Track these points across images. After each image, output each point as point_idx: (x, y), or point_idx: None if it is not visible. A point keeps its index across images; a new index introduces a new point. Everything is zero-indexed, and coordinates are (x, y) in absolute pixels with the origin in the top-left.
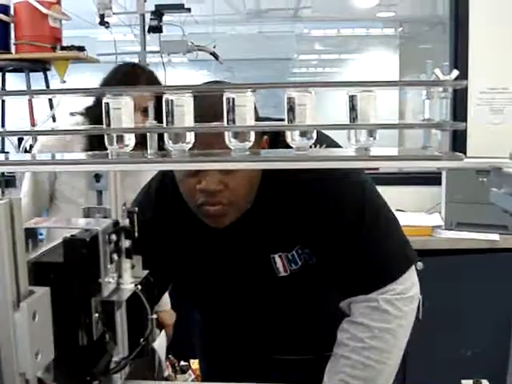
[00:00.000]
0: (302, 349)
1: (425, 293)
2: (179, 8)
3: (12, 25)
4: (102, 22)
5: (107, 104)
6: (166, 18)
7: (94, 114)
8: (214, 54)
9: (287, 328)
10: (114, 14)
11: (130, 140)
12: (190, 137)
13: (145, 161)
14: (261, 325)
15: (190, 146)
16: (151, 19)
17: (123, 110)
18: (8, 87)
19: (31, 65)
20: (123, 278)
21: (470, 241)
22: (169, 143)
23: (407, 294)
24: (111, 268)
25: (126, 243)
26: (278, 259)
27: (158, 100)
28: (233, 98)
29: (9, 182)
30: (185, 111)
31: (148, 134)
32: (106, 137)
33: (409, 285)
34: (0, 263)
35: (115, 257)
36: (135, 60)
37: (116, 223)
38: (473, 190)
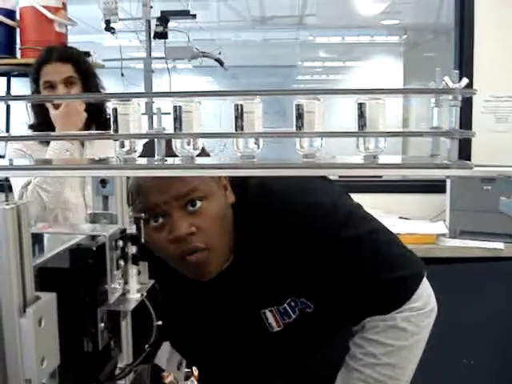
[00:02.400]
0: None
1: None
2: (185, 14)
3: (18, 30)
4: (108, 28)
5: (115, 109)
6: (171, 24)
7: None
8: (219, 61)
9: (290, 372)
10: (119, 19)
11: (138, 145)
12: (198, 143)
13: (152, 166)
14: (258, 379)
15: (198, 151)
16: (157, 25)
17: (131, 115)
18: (13, 92)
19: None
20: (129, 285)
21: (474, 249)
22: (177, 149)
23: (426, 308)
24: (117, 274)
25: (132, 249)
26: (269, 314)
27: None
28: (241, 105)
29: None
30: (192, 117)
31: (156, 140)
32: (114, 143)
33: (426, 299)
34: (7, 268)
35: (121, 263)
36: (141, 66)
37: (123, 230)
38: (477, 198)
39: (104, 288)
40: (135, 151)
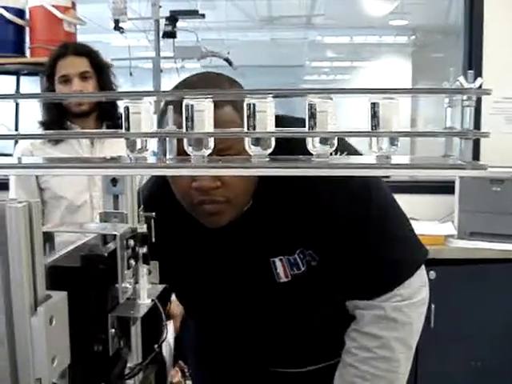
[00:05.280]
0: (303, 360)
1: (437, 302)
2: (194, 14)
3: (27, 29)
4: (117, 28)
5: (127, 108)
6: (180, 24)
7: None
8: (227, 60)
9: (289, 338)
10: (128, 19)
11: (150, 144)
12: (211, 142)
13: (165, 166)
14: (260, 335)
15: (210, 151)
16: (166, 25)
17: (143, 114)
18: (22, 90)
19: None
20: (140, 284)
21: (483, 250)
22: (188, 149)
23: (415, 298)
24: (128, 274)
25: (143, 249)
26: (278, 263)
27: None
28: (253, 104)
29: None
30: (205, 116)
31: (167, 139)
32: (125, 141)
33: (416, 288)
34: (18, 267)
35: (132, 262)
36: (148, 66)
37: (134, 229)
38: (486, 200)
39: (115, 293)
40: (147, 150)
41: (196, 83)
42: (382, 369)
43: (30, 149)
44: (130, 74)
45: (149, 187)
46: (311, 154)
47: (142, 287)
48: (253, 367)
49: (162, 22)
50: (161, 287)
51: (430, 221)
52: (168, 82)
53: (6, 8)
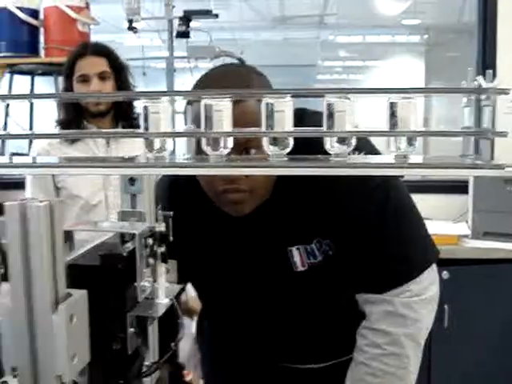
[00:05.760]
0: (315, 356)
1: (450, 302)
2: (207, 14)
3: (41, 29)
4: (131, 27)
5: (145, 108)
6: (193, 23)
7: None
8: (240, 60)
9: (302, 332)
10: (142, 19)
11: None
12: (229, 142)
13: (184, 165)
14: (274, 327)
15: (228, 151)
16: (179, 24)
17: (162, 114)
18: (36, 91)
19: (60, 68)
20: (158, 283)
21: (497, 250)
22: (207, 148)
23: (425, 294)
24: (146, 273)
25: (161, 248)
26: (295, 252)
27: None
28: (271, 104)
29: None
30: (223, 116)
31: (186, 139)
32: (144, 141)
33: (426, 284)
34: (39, 265)
35: (151, 261)
36: (161, 65)
37: (152, 228)
38: (500, 199)
39: (134, 292)
40: (165, 150)
41: (219, 79)
42: (392, 365)
43: (46, 148)
44: (144, 74)
45: (169, 176)
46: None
47: (160, 286)
48: (264, 363)
49: (175, 21)
50: (178, 287)
51: (444, 220)
52: (180, 82)
53: (20, 8)
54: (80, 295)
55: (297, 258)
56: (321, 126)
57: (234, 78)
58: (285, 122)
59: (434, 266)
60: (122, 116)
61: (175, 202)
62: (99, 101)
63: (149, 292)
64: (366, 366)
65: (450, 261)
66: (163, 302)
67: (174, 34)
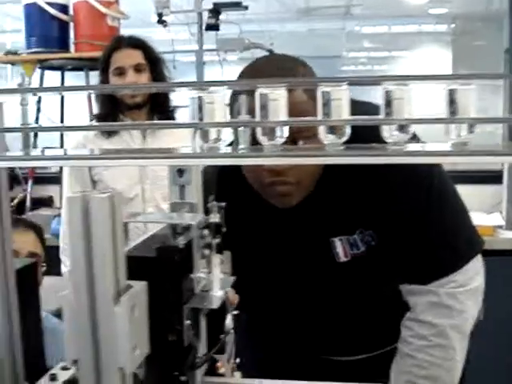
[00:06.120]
0: (356, 347)
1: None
2: (237, 6)
3: (71, 24)
4: (161, 21)
5: (200, 98)
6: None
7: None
8: (271, 52)
9: (344, 323)
10: (171, 12)
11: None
12: (285, 132)
13: (236, 155)
14: (316, 319)
15: (284, 140)
16: (209, 17)
17: (216, 104)
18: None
19: (90, 63)
20: (213, 275)
21: None
22: (262, 138)
23: (470, 285)
24: (202, 264)
25: (216, 239)
26: (338, 243)
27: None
28: (328, 92)
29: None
30: (279, 105)
31: (241, 128)
32: (199, 132)
33: (472, 274)
34: (101, 257)
35: (206, 252)
36: (188, 59)
37: (206, 219)
38: None
39: (190, 284)
40: (220, 140)
41: (266, 69)
42: (439, 356)
43: (82, 142)
44: (174, 68)
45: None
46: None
47: (215, 278)
48: (304, 355)
49: (204, 14)
50: (232, 278)
51: (477, 211)
52: (210, 75)
53: (50, 4)
54: (140, 286)
55: (339, 248)
56: (371, 114)
57: (281, 68)
58: (342, 110)
59: (479, 256)
60: (159, 108)
61: (222, 192)
62: (135, 93)
63: (204, 283)
64: (412, 358)
65: (485, 252)
66: (218, 294)
67: (204, 26)
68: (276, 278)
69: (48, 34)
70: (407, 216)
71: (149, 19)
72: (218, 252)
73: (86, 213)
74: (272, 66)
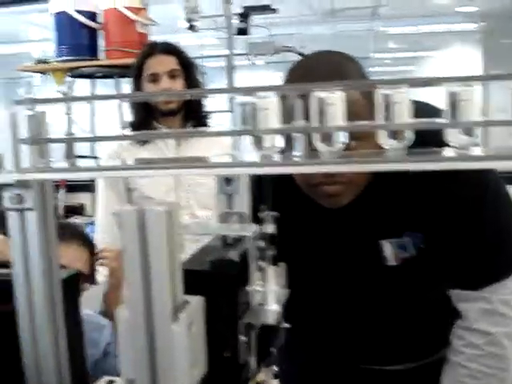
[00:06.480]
0: (401, 356)
1: None
2: (266, 9)
3: (100, 31)
4: (191, 26)
5: (253, 104)
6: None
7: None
8: (301, 54)
9: (389, 329)
10: (200, 17)
11: (278, 142)
12: (343, 137)
13: (296, 163)
14: (361, 325)
15: (343, 146)
16: (240, 21)
17: (270, 110)
18: (97, 93)
19: (120, 70)
20: (268, 288)
21: None
22: (319, 144)
23: None
24: (257, 276)
25: (271, 250)
26: (387, 245)
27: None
28: (388, 95)
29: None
30: (336, 110)
31: (296, 135)
32: (252, 139)
33: None
34: (159, 272)
35: (261, 264)
36: (215, 64)
37: (261, 229)
38: None
39: (246, 299)
40: (275, 148)
41: (318, 69)
42: (492, 366)
43: (117, 150)
44: (204, 73)
45: None
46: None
47: (270, 291)
48: (347, 364)
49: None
50: (287, 291)
51: None
52: (240, 79)
53: (79, 12)
54: (197, 302)
55: (388, 251)
56: (431, 116)
57: (331, 67)
58: (403, 113)
59: None
60: (193, 115)
61: (275, 199)
62: (170, 99)
63: (259, 298)
64: (464, 368)
65: None
66: (273, 308)
67: (232, 31)
68: (322, 283)
69: (78, 42)
70: (461, 218)
71: (175, 25)
72: (273, 264)
73: (142, 227)
74: (322, 66)
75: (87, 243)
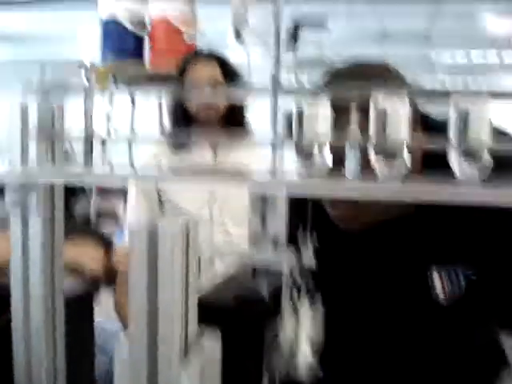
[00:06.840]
0: None
1: None
2: (319, 25)
3: (147, 39)
4: (238, 36)
5: (300, 111)
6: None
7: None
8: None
9: (431, 377)
10: (247, 28)
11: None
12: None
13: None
14: (398, 369)
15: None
16: (292, 36)
17: (320, 117)
18: (138, 101)
19: (164, 79)
20: (300, 331)
21: None
22: (377, 158)
23: None
24: (290, 317)
25: (308, 284)
26: (436, 276)
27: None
28: (468, 111)
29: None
30: (401, 119)
31: (348, 147)
32: (296, 149)
33: None
34: (169, 303)
35: (295, 302)
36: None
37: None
38: None
39: (273, 344)
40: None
41: (366, 75)
42: None
43: (156, 153)
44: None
45: None
46: None
47: (303, 337)
48: None
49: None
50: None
51: None
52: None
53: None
54: (213, 342)
55: (437, 284)
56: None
57: (374, 79)
58: (483, 131)
59: None
60: (233, 123)
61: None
62: (210, 107)
63: (290, 340)
64: None
65: None
66: (307, 360)
67: (282, 46)
68: (355, 316)
69: (124, 49)
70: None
71: (225, 41)
72: (310, 303)
73: (154, 242)
74: (364, 77)
75: (104, 243)
